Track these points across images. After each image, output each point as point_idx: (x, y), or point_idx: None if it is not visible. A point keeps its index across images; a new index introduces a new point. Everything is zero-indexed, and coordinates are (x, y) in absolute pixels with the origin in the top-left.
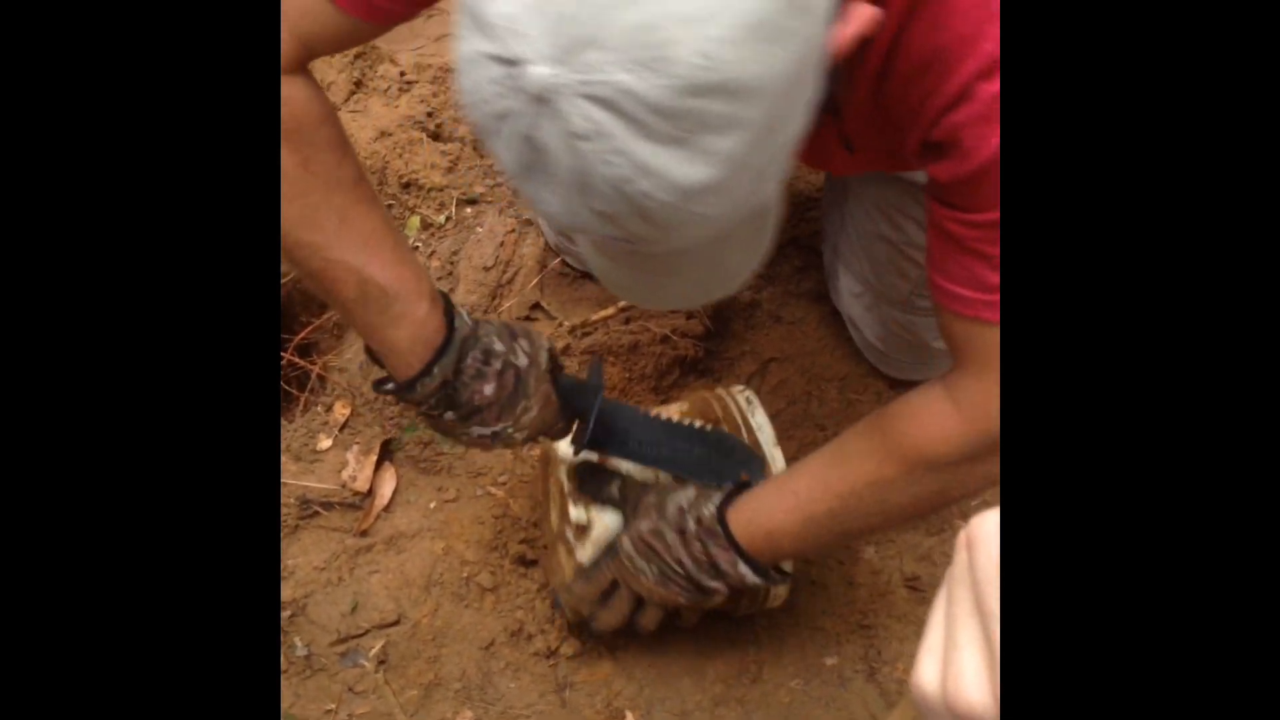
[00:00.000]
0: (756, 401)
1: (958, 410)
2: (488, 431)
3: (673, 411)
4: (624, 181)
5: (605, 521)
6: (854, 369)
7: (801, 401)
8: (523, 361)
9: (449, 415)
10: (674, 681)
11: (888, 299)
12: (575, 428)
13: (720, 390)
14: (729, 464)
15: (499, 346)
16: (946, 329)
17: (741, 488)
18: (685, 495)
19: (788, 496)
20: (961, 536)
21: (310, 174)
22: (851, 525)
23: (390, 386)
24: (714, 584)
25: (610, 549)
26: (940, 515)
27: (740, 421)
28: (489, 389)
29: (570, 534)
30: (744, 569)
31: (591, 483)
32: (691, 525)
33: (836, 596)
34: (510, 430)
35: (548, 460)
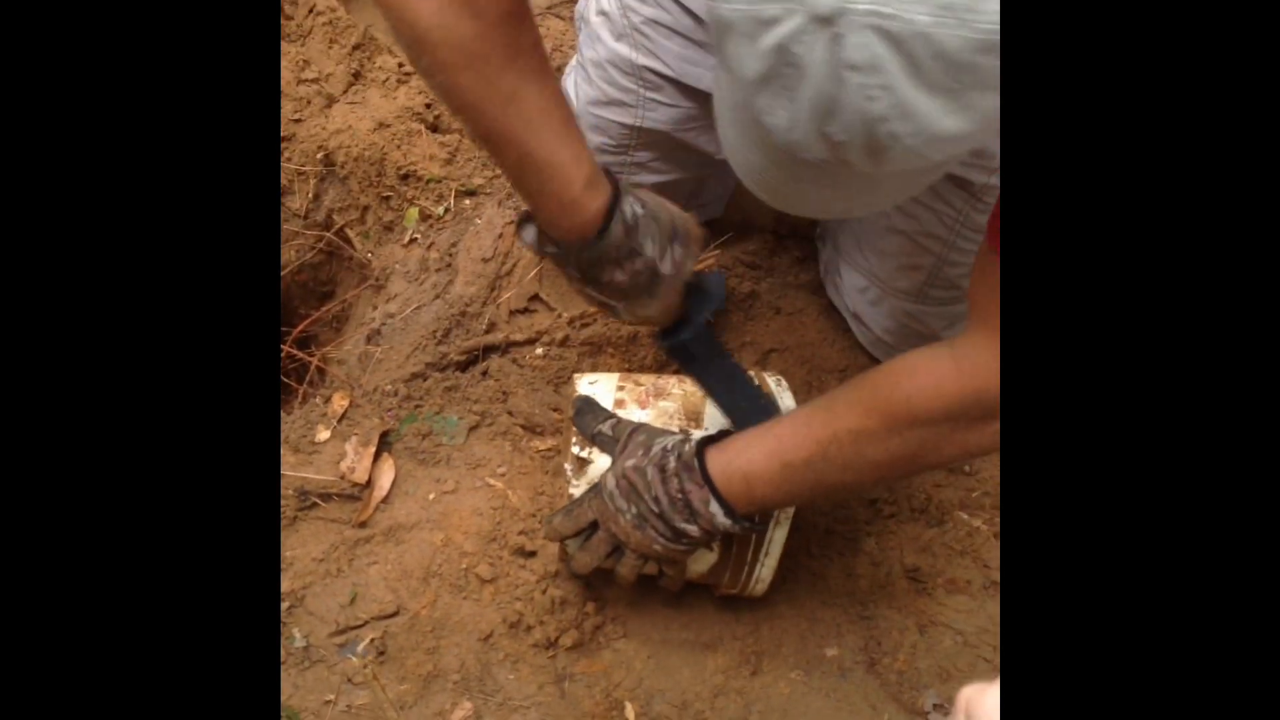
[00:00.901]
0: (785, 386)
1: (956, 366)
2: (597, 297)
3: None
4: (878, 120)
5: (603, 460)
6: (854, 360)
7: (802, 392)
8: (667, 269)
9: (574, 273)
10: (674, 673)
11: (898, 292)
12: (669, 325)
13: (755, 370)
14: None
15: (648, 251)
16: (981, 280)
17: (728, 433)
18: (673, 436)
19: (769, 440)
20: (960, 700)
21: (485, 45)
22: (827, 477)
23: (528, 234)
24: (687, 526)
25: (595, 487)
26: (940, 507)
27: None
28: (620, 277)
29: (569, 467)
30: (715, 508)
31: (586, 417)
32: (672, 463)
33: (836, 587)
34: (621, 311)
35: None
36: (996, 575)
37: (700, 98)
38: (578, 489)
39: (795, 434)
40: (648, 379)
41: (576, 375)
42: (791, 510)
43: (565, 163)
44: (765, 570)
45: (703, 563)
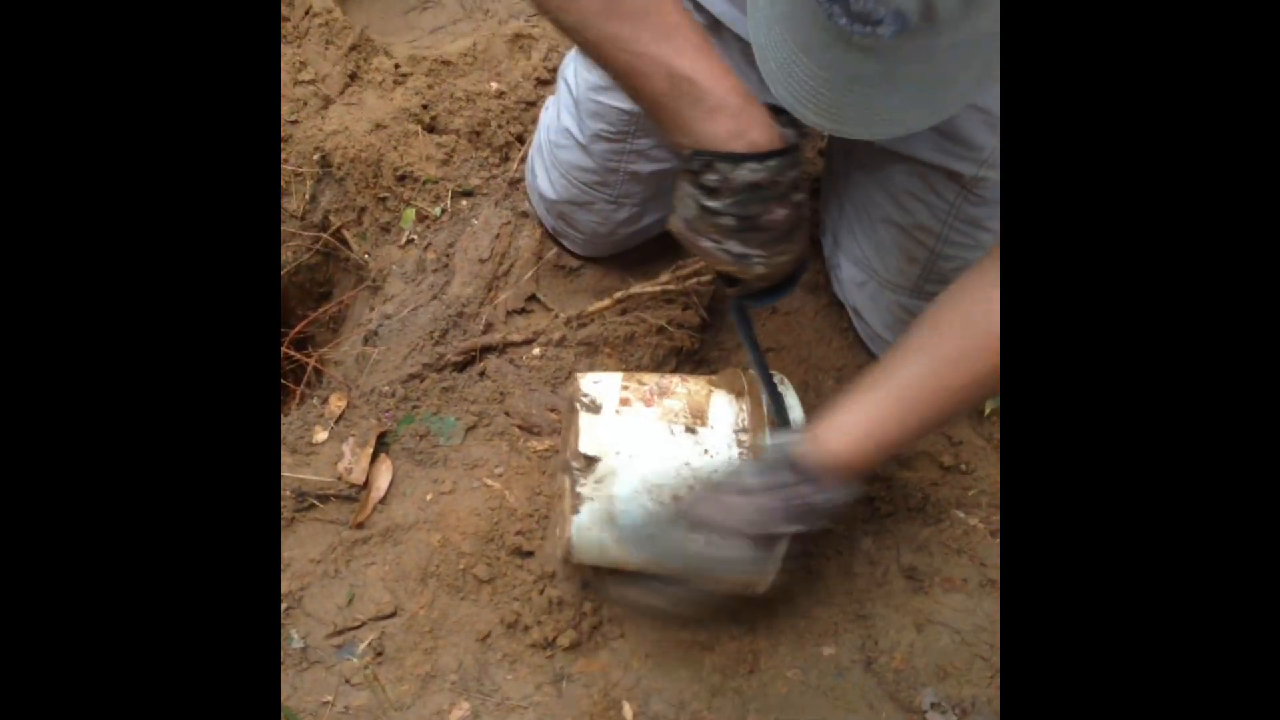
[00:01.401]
0: (788, 383)
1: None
2: (740, 250)
3: (702, 384)
4: None
5: (613, 459)
6: (851, 359)
7: (798, 391)
8: (807, 211)
9: (727, 220)
10: (671, 672)
11: (894, 285)
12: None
13: (754, 370)
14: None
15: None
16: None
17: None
18: (734, 465)
19: (904, 411)
20: None
21: None
22: (945, 412)
23: (698, 161)
24: (788, 528)
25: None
26: (937, 506)
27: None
28: (780, 214)
29: (577, 466)
30: (828, 494)
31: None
32: (786, 477)
33: (834, 586)
34: (758, 262)
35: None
36: (993, 574)
37: None
38: (585, 487)
39: (927, 397)
40: (650, 378)
41: (579, 374)
42: None
43: (719, 73)
44: (763, 575)
45: None
